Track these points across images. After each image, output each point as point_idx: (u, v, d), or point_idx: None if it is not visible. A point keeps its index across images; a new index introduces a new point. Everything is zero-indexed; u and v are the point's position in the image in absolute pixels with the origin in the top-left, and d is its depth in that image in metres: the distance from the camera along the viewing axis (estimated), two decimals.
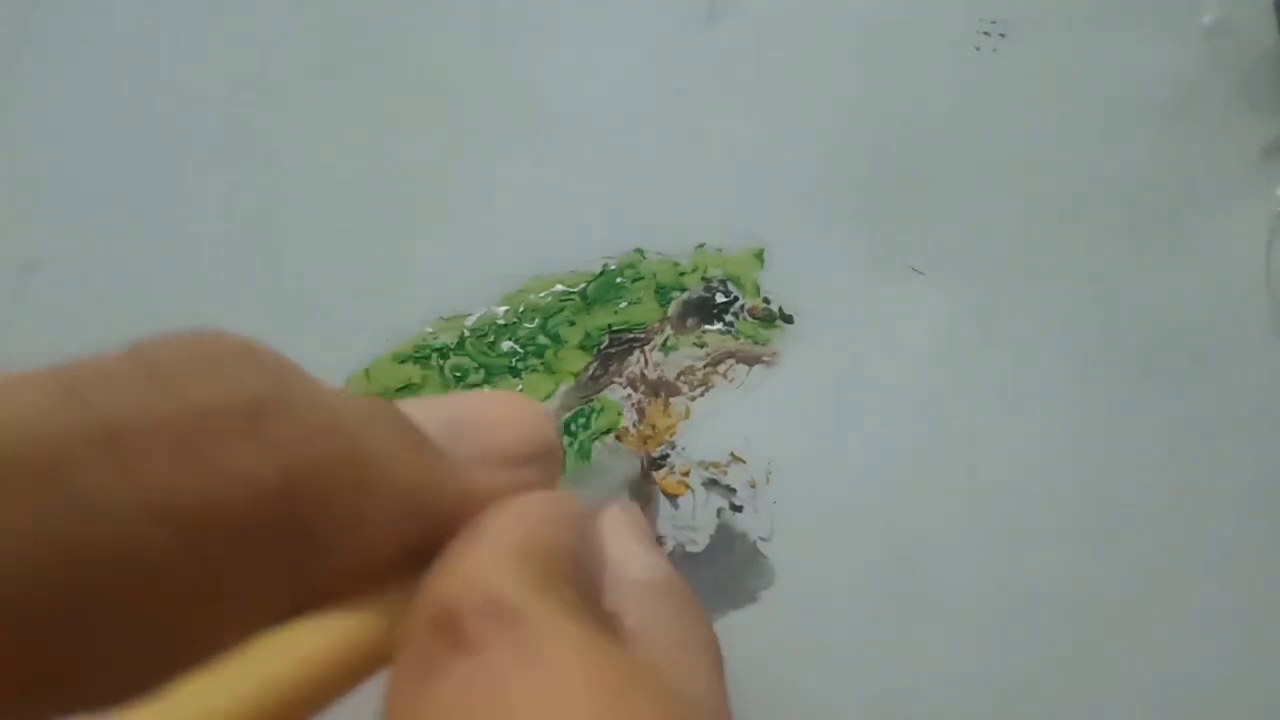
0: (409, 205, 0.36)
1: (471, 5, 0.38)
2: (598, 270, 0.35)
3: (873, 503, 0.33)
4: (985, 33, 0.37)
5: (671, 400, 0.34)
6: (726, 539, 0.33)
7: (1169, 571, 0.33)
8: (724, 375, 0.34)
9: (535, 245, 0.35)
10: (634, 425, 0.34)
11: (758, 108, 0.37)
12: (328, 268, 0.36)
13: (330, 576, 0.13)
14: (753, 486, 0.33)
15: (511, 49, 0.38)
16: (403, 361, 0.34)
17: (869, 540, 0.33)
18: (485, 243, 0.36)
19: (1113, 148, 0.36)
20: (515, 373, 0.34)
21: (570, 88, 0.37)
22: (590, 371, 0.34)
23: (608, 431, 0.33)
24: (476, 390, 0.34)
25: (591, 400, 0.34)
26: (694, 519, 0.33)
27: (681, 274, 0.35)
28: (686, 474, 0.33)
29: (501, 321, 0.35)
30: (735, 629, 0.32)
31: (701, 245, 0.35)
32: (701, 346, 0.34)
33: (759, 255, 0.35)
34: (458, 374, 0.34)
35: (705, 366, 0.34)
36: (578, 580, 0.14)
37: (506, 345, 0.34)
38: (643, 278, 0.35)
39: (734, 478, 0.33)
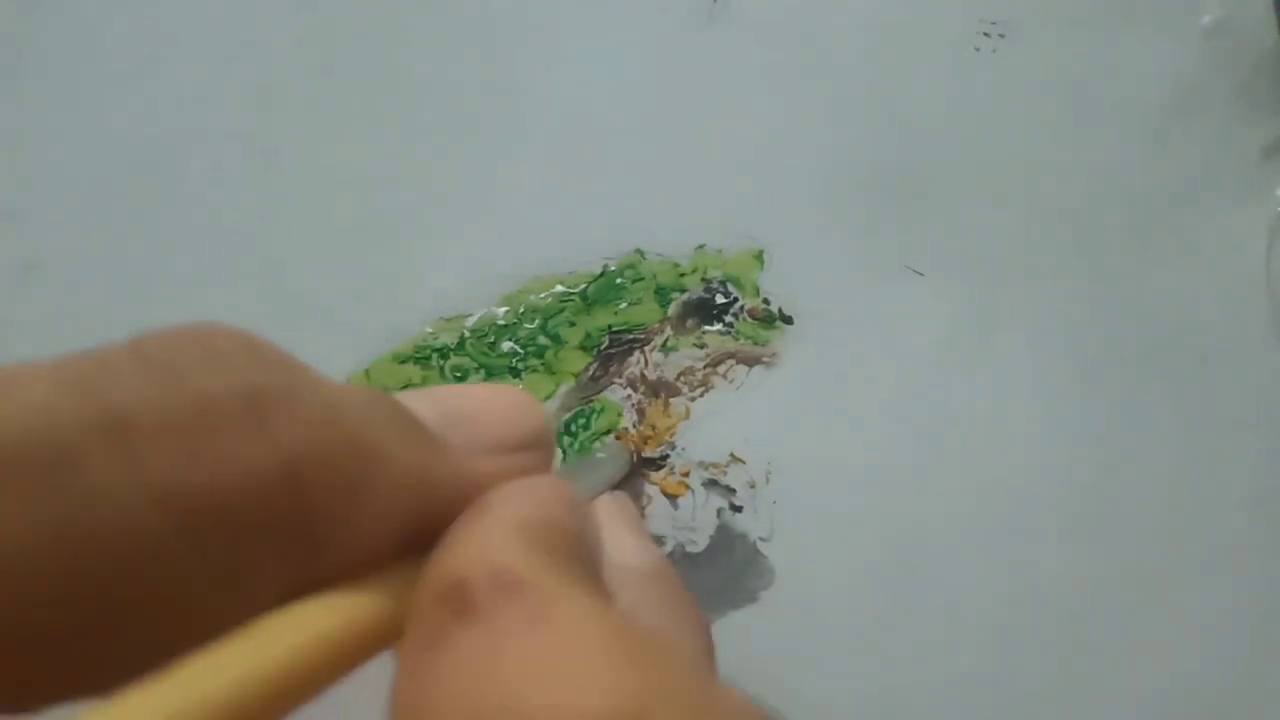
0: (409, 205, 0.36)
1: (471, 6, 0.38)
2: (598, 271, 0.35)
3: (873, 503, 0.33)
4: (985, 33, 0.37)
5: (671, 401, 0.34)
6: (726, 539, 0.33)
7: (1169, 571, 0.33)
8: (724, 376, 0.34)
9: (535, 245, 0.35)
10: (634, 426, 0.34)
11: (758, 108, 0.36)
12: (328, 268, 0.36)
13: (333, 565, 0.13)
14: (752, 487, 0.33)
15: (512, 49, 0.38)
16: (403, 361, 0.34)
17: (869, 540, 0.33)
18: (485, 243, 0.36)
19: (1113, 148, 0.36)
20: (515, 373, 0.34)
21: (570, 88, 0.37)
22: (590, 372, 0.34)
23: (608, 432, 0.33)
24: (469, 383, 0.34)
25: (591, 401, 0.34)
26: (694, 519, 0.33)
27: (681, 275, 0.35)
28: (686, 474, 0.33)
29: (502, 322, 0.35)
30: (735, 629, 0.32)
31: (701, 246, 0.35)
32: (701, 347, 0.34)
33: (759, 256, 0.35)
34: (458, 374, 0.34)
35: (705, 367, 0.34)
36: (580, 558, 0.14)
37: (507, 346, 0.34)
38: (643, 278, 0.35)
39: (734, 478, 0.33)
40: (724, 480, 0.33)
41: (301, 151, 0.37)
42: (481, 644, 0.11)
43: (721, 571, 0.32)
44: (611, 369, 0.34)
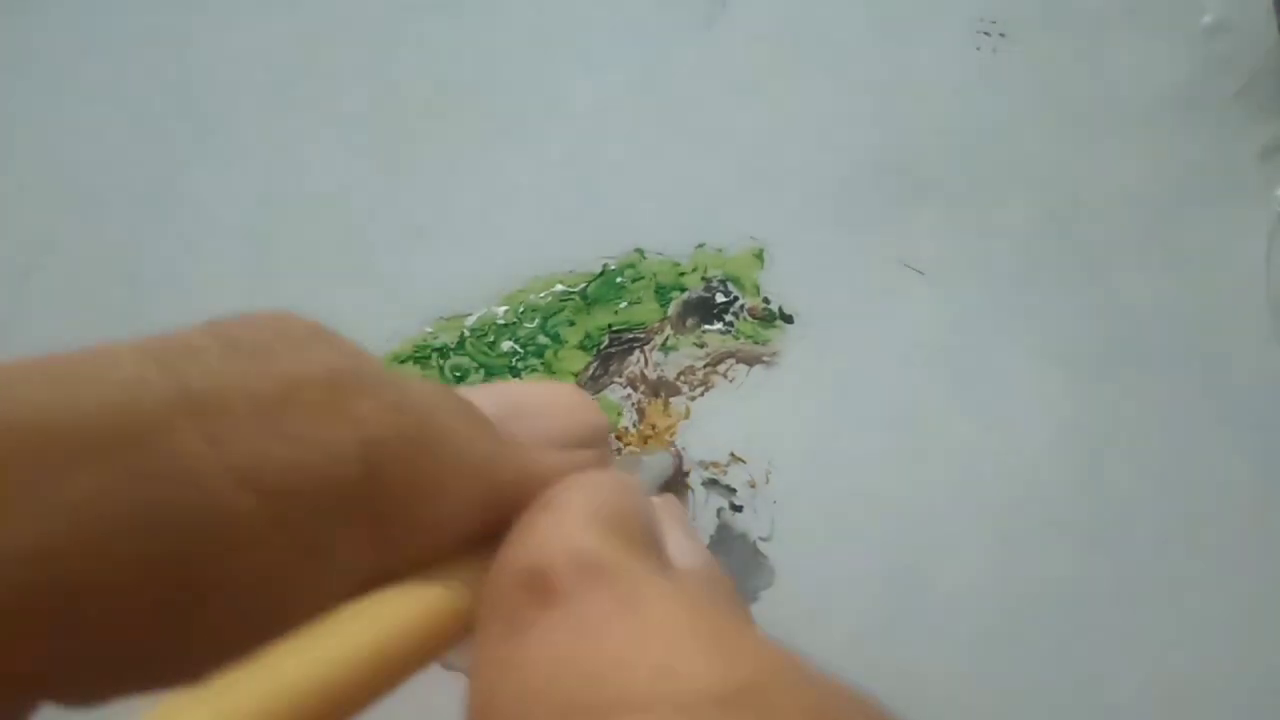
0: (409, 206, 0.36)
1: (472, 8, 0.38)
2: (598, 270, 0.35)
3: (873, 502, 0.33)
4: (985, 33, 0.37)
5: (671, 400, 0.34)
6: (726, 539, 0.33)
7: (1169, 571, 0.33)
8: (724, 375, 0.34)
9: (535, 245, 0.35)
10: (634, 425, 0.34)
11: (757, 108, 0.37)
12: (328, 268, 0.36)
13: (406, 553, 0.13)
14: (753, 486, 0.33)
15: (512, 50, 0.38)
16: (403, 361, 0.34)
17: (869, 540, 0.33)
18: (485, 243, 0.36)
19: (1112, 147, 0.36)
20: (515, 373, 0.34)
21: (571, 88, 0.37)
22: (590, 371, 0.34)
23: None
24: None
25: None
26: (694, 519, 0.33)
27: (681, 274, 0.35)
28: (687, 474, 0.33)
29: (501, 321, 0.35)
30: None
31: (701, 245, 0.35)
32: (701, 346, 0.34)
33: (759, 255, 0.35)
34: (458, 374, 0.34)
35: (705, 366, 0.34)
36: (653, 547, 0.14)
37: (506, 345, 0.34)
38: (643, 278, 0.35)
39: (734, 478, 0.33)
40: (724, 480, 0.33)
41: (303, 151, 0.37)
42: (570, 627, 0.11)
43: (721, 571, 0.32)
44: (611, 368, 0.34)
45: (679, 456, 0.33)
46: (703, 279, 0.35)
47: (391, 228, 0.36)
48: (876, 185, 0.36)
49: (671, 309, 0.35)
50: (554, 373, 0.34)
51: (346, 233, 0.36)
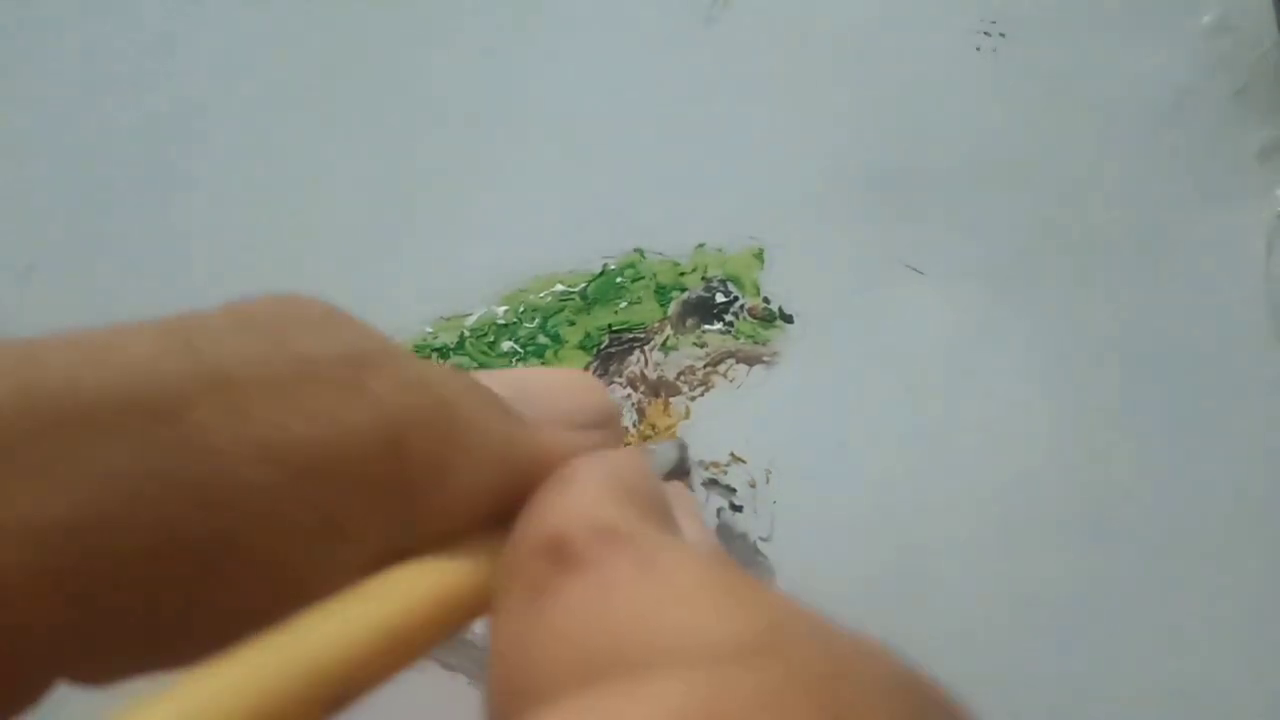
0: (409, 206, 0.36)
1: (472, 6, 0.38)
2: (598, 270, 0.35)
3: (873, 502, 0.33)
4: (985, 33, 0.37)
5: (671, 400, 0.34)
6: (726, 539, 0.33)
7: (1169, 572, 0.33)
8: (724, 375, 0.34)
9: (535, 245, 0.35)
10: (634, 425, 0.34)
11: (757, 108, 0.36)
12: (328, 268, 0.36)
13: (424, 531, 0.13)
14: (753, 486, 0.33)
15: (512, 49, 0.38)
16: None
17: (869, 540, 0.33)
18: (485, 243, 0.36)
19: (1112, 147, 0.36)
20: None
21: (570, 88, 0.37)
22: (590, 371, 0.34)
23: None
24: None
25: None
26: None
27: (681, 274, 0.35)
28: (687, 472, 0.33)
29: (501, 321, 0.35)
30: None
31: (701, 245, 0.35)
32: (701, 346, 0.34)
33: (759, 255, 0.35)
34: None
35: (705, 366, 0.34)
36: (666, 518, 0.14)
37: (506, 345, 0.34)
38: (643, 278, 0.35)
39: (734, 478, 0.33)
40: (724, 480, 0.33)
41: (302, 152, 0.37)
42: (591, 591, 0.11)
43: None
44: (611, 368, 0.34)
45: (685, 446, 0.33)
46: (703, 279, 0.35)
47: (391, 228, 0.36)
48: (876, 185, 0.36)
49: (671, 309, 0.35)
50: None
51: (346, 233, 0.36)
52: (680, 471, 0.32)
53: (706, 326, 0.34)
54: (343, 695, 0.11)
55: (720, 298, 0.35)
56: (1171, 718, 0.32)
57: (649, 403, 0.34)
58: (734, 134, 0.36)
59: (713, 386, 0.34)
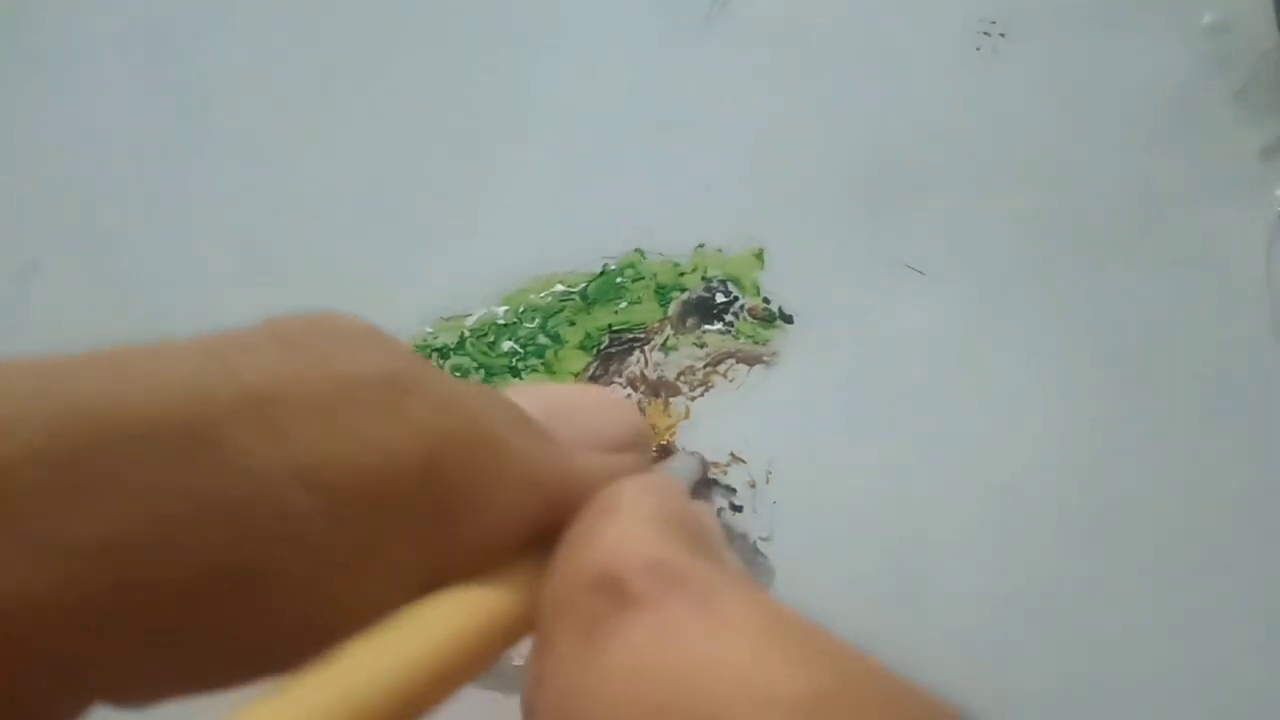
0: (409, 206, 0.36)
1: (472, 7, 0.38)
2: (598, 270, 0.35)
3: (873, 502, 0.33)
4: (985, 33, 0.37)
5: (671, 400, 0.34)
6: (726, 539, 0.33)
7: (1169, 572, 0.32)
8: (724, 375, 0.34)
9: (535, 245, 0.35)
10: None
11: (757, 108, 0.36)
12: (328, 268, 0.36)
13: (460, 556, 0.13)
14: (752, 486, 0.33)
15: (512, 50, 0.38)
16: None
17: (869, 540, 0.33)
18: (485, 243, 0.36)
19: (1112, 147, 0.36)
20: (515, 373, 0.34)
21: (570, 88, 0.37)
22: (590, 371, 0.34)
23: None
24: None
25: None
26: None
27: (681, 274, 0.35)
28: (712, 481, 0.33)
29: (501, 321, 0.35)
30: None
31: (701, 245, 0.35)
32: (701, 346, 0.34)
33: (759, 255, 0.35)
34: (458, 374, 0.34)
35: (705, 366, 0.34)
36: (712, 550, 0.14)
37: (507, 345, 0.34)
38: (643, 278, 0.35)
39: (734, 478, 0.33)
40: (724, 480, 0.33)
41: (303, 151, 0.37)
42: (650, 632, 0.11)
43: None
44: (611, 368, 0.34)
45: (704, 462, 0.33)
46: (703, 279, 0.35)
47: (391, 228, 0.36)
48: (876, 185, 0.36)
49: (671, 309, 0.35)
50: (554, 373, 0.34)
51: (346, 233, 0.36)
52: (703, 486, 0.32)
53: (706, 326, 0.34)
54: None
55: (720, 298, 0.35)
56: (1171, 717, 0.32)
57: (649, 403, 0.34)
58: (734, 134, 0.36)
59: (713, 386, 0.34)
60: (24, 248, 0.36)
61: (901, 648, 0.33)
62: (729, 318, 0.34)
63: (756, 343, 0.34)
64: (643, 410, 0.34)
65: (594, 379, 0.34)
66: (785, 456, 0.33)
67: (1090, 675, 0.32)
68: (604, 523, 0.13)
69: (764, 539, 0.33)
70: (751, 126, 0.36)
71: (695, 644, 0.11)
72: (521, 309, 0.35)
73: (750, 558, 0.32)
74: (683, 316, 0.35)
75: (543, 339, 0.34)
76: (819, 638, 0.12)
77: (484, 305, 0.35)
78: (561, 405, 0.16)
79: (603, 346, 0.34)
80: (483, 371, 0.34)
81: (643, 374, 0.34)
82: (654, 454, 0.33)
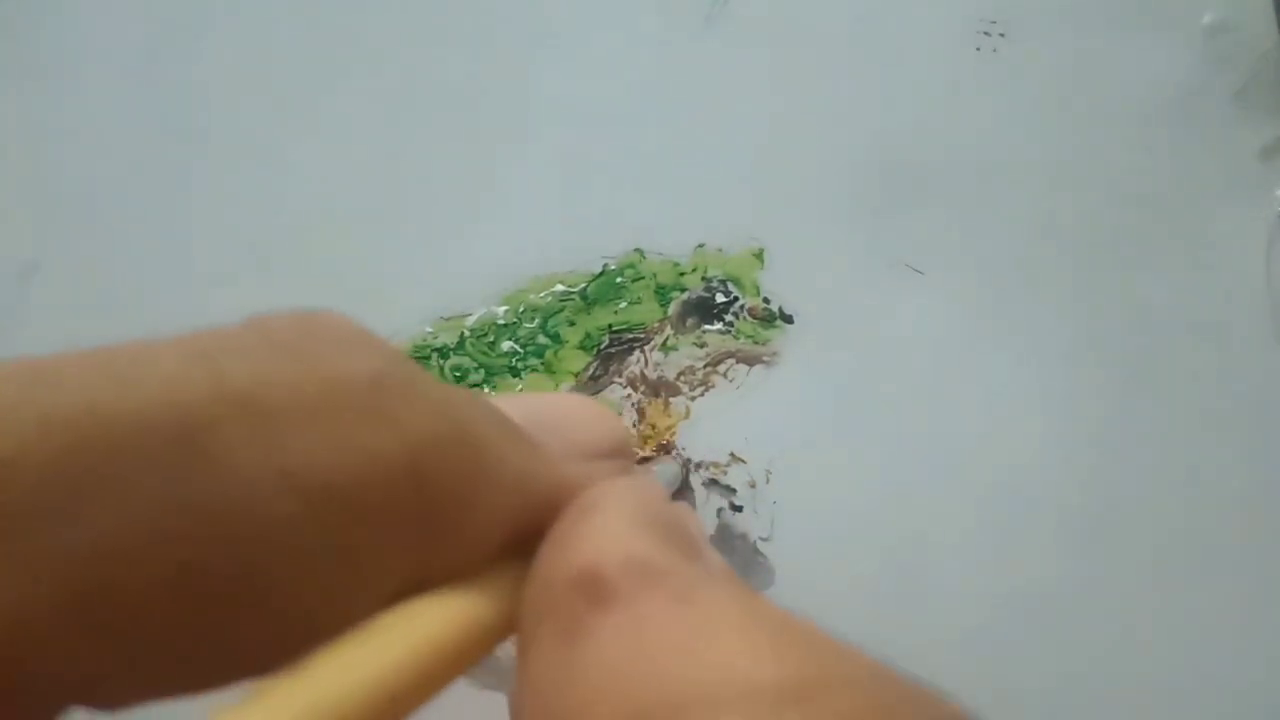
0: (410, 205, 0.36)
1: (472, 6, 0.38)
2: (598, 270, 0.35)
3: (873, 502, 0.33)
4: (985, 33, 0.37)
5: (671, 400, 0.34)
6: (727, 539, 0.33)
7: (1169, 571, 0.32)
8: (724, 375, 0.34)
9: (535, 245, 0.35)
10: (634, 425, 0.34)
11: (757, 108, 0.36)
12: (327, 268, 0.36)
13: (444, 561, 0.13)
14: (753, 486, 0.33)
15: (512, 50, 0.38)
16: None
17: (869, 540, 0.33)
18: (485, 243, 0.36)
19: (1112, 147, 0.36)
20: (515, 373, 0.34)
21: (571, 88, 0.37)
22: (590, 371, 0.34)
23: None
24: (468, 382, 0.34)
25: None
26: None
27: (681, 274, 0.35)
28: (690, 489, 0.33)
29: (501, 321, 0.35)
30: None
31: (701, 245, 0.35)
32: (701, 346, 0.34)
33: (759, 255, 0.35)
34: (457, 374, 0.34)
35: (705, 366, 0.34)
36: (692, 549, 0.14)
37: (506, 345, 0.34)
38: (643, 278, 0.35)
39: (734, 478, 0.33)
40: (724, 480, 0.33)
41: (303, 151, 0.37)
42: (630, 628, 0.11)
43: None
44: (611, 368, 0.34)
45: (687, 462, 0.33)
46: (703, 279, 0.35)
47: (391, 228, 0.36)
48: (876, 185, 0.36)
49: (671, 309, 0.35)
50: (554, 373, 0.34)
51: (346, 233, 0.36)
52: (683, 489, 0.32)
53: (706, 326, 0.34)
54: None
55: (720, 298, 0.35)
56: (1171, 717, 0.32)
57: (649, 403, 0.34)
58: (734, 134, 0.36)
59: (713, 386, 0.34)
60: (24, 248, 0.36)
61: (901, 648, 0.33)
62: (729, 318, 0.34)
63: (756, 343, 0.34)
64: (643, 410, 0.34)
65: (594, 379, 0.34)
66: (785, 456, 0.33)
67: (1090, 675, 0.32)
68: (584, 523, 0.13)
69: (764, 539, 0.33)
70: (751, 126, 0.36)
71: (674, 638, 0.11)
72: (521, 309, 0.35)
73: (750, 558, 0.33)
74: (683, 316, 0.35)
75: (543, 339, 0.34)
76: (799, 628, 0.12)
77: (484, 305, 0.35)
78: (545, 413, 0.16)
79: (603, 346, 0.34)
80: (483, 371, 0.34)
81: (643, 374, 0.34)
82: (652, 455, 0.33)
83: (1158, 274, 0.35)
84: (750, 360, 0.34)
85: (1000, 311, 0.34)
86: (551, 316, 0.35)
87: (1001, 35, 0.37)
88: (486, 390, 0.34)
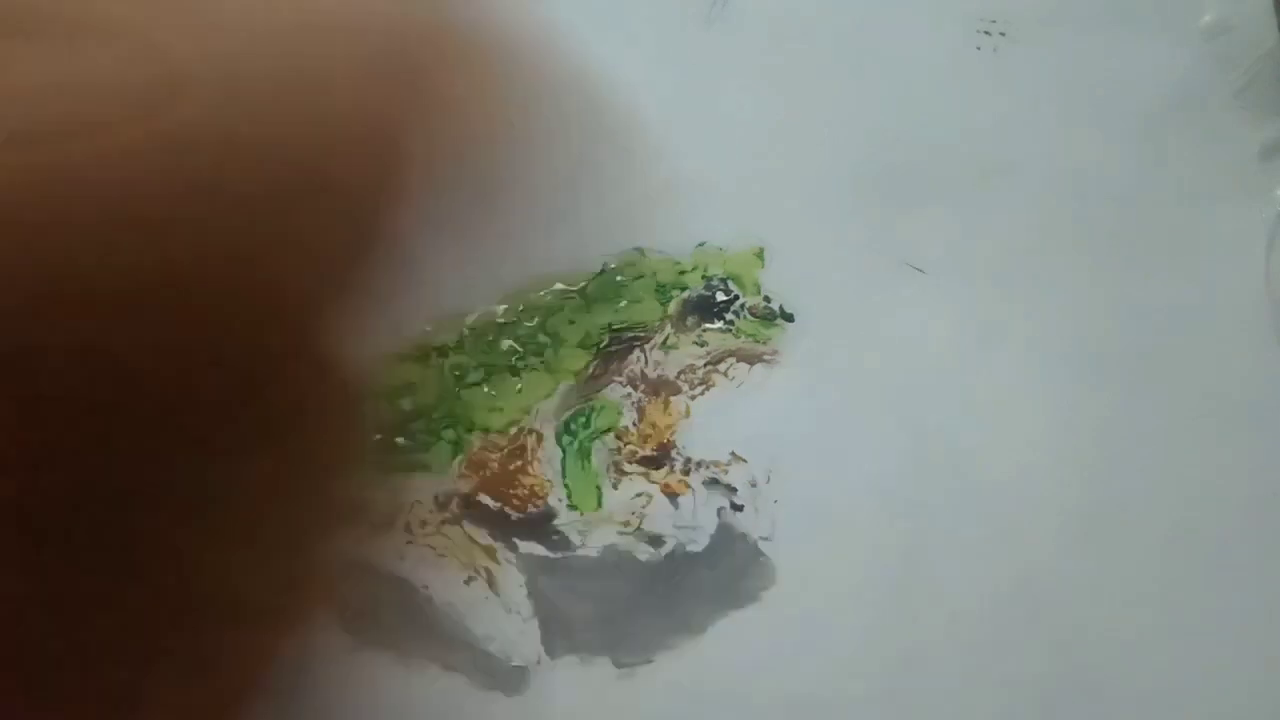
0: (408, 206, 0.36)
1: (472, 6, 0.38)
2: (598, 269, 0.35)
3: (874, 502, 0.33)
4: (985, 32, 0.37)
5: (672, 399, 0.34)
6: (727, 539, 0.33)
7: (1169, 572, 0.33)
8: (725, 374, 0.34)
9: (535, 243, 0.35)
10: (634, 424, 0.34)
11: (757, 107, 0.36)
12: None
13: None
14: (753, 486, 0.33)
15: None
16: (402, 361, 0.34)
17: (870, 539, 0.33)
18: (485, 242, 0.36)
19: (1112, 147, 0.36)
20: (515, 371, 0.34)
21: (569, 88, 0.37)
22: (590, 370, 0.34)
23: (607, 431, 0.33)
24: (467, 382, 0.34)
25: (591, 399, 0.34)
26: (694, 519, 0.33)
27: (682, 273, 0.35)
28: (687, 473, 0.33)
29: (501, 320, 0.35)
30: (736, 629, 0.32)
31: (702, 244, 0.35)
32: (702, 345, 0.34)
33: (759, 254, 0.35)
34: (457, 372, 0.34)
35: (706, 365, 0.34)
36: None
37: (506, 344, 0.34)
38: (643, 276, 0.35)
39: (734, 477, 0.33)
40: (725, 479, 0.33)
41: None
42: None
43: (722, 572, 0.32)
44: (611, 367, 0.34)
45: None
46: (703, 277, 0.35)
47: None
48: (877, 184, 0.36)
49: (672, 308, 0.35)
50: (554, 371, 0.34)
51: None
52: None
53: (707, 325, 0.34)
54: None
55: (721, 296, 0.35)
56: (1171, 717, 0.32)
57: (649, 402, 0.34)
58: (734, 134, 0.36)
59: (713, 385, 0.34)
60: None
61: (901, 648, 0.33)
62: (730, 316, 0.34)
63: (757, 341, 0.34)
64: (643, 409, 0.34)
65: (594, 378, 0.34)
66: (786, 455, 0.33)
67: (1090, 675, 0.32)
68: None
69: (764, 539, 0.33)
70: (752, 125, 0.36)
71: None
72: (521, 308, 0.35)
73: (751, 558, 0.32)
74: (683, 315, 0.35)
75: (542, 338, 0.34)
76: None
77: (483, 303, 0.35)
78: None
79: (603, 345, 0.34)
80: (482, 370, 0.34)
81: (643, 373, 0.34)
82: (652, 454, 0.33)
83: (1157, 273, 0.35)
84: (751, 359, 0.34)
85: (1001, 309, 0.34)
86: (551, 315, 0.34)
87: (1002, 35, 0.37)
88: (486, 390, 0.34)
